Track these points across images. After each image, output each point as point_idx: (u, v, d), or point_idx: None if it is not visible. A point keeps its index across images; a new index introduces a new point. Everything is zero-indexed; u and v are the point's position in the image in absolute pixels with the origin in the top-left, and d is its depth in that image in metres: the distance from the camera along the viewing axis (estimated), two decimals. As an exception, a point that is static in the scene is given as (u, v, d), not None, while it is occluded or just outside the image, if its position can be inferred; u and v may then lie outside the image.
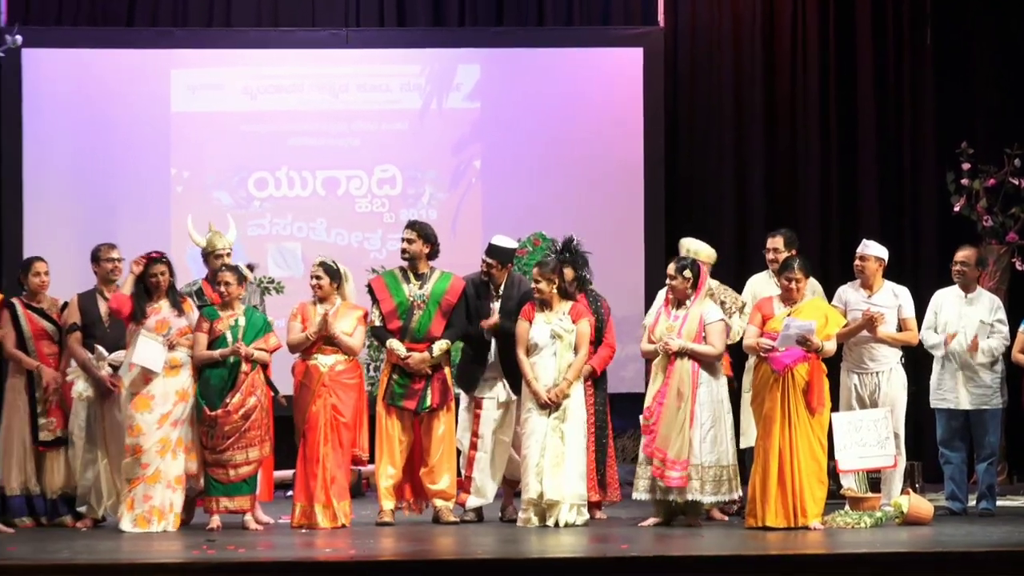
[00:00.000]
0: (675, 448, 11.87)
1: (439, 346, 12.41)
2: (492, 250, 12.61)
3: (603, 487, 12.59)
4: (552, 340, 12.10)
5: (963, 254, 13.12)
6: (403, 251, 12.55)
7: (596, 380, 12.55)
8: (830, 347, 11.92)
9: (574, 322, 12.14)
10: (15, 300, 12.61)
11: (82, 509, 12.51)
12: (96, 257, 12.76)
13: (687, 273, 12.11)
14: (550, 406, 11.98)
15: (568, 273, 12.42)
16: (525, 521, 12.06)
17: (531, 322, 12.15)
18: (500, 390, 12.53)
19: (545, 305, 12.15)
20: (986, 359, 12.84)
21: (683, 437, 11.89)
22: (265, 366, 12.36)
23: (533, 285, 12.19)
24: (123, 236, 13.73)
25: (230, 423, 12.01)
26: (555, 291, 12.14)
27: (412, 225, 12.68)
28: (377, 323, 12.49)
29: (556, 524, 11.92)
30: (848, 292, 12.87)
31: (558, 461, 11.98)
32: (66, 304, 12.61)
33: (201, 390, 12.08)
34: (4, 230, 15.80)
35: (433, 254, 12.61)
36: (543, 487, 11.95)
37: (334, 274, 12.37)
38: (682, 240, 13.09)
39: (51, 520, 12.47)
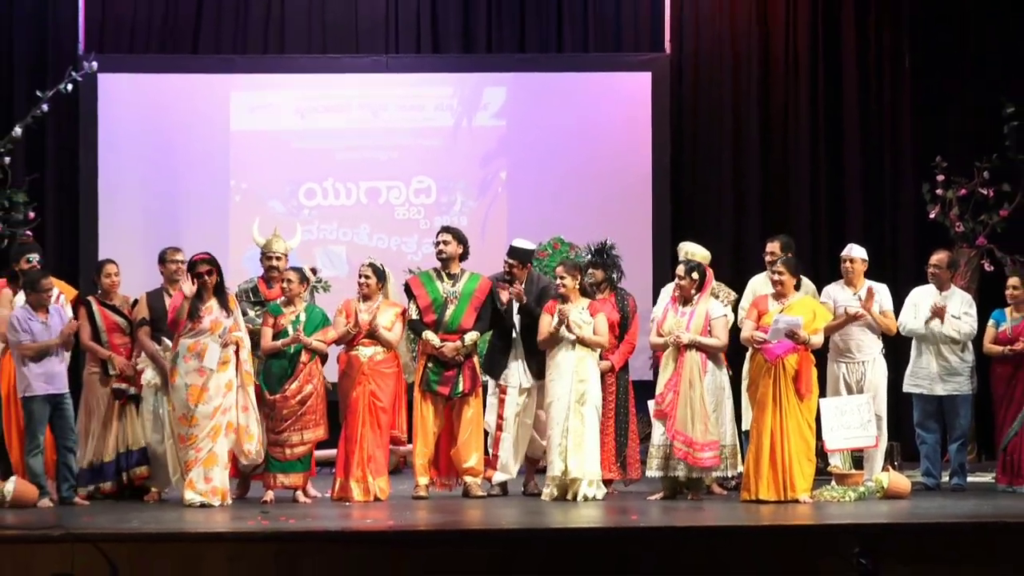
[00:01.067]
0: (699, 431, 11.91)
1: (470, 337, 12.47)
2: (513, 251, 12.73)
3: (624, 466, 12.57)
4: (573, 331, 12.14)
5: (936, 257, 13.18)
6: (439, 252, 12.62)
7: (617, 371, 12.55)
8: (817, 340, 11.96)
9: (592, 315, 12.18)
10: (90, 298, 12.67)
11: (152, 483, 12.55)
12: (162, 259, 12.80)
13: (695, 275, 12.20)
14: (564, 321, 12.01)
15: (598, 274, 12.49)
16: (549, 496, 12.09)
17: (552, 315, 12.18)
18: (522, 376, 12.57)
19: (566, 300, 12.19)
20: (959, 335, 12.84)
21: (703, 420, 11.92)
22: (325, 357, 12.41)
23: (558, 280, 12.24)
24: (187, 241, 13.72)
25: (288, 407, 12.07)
26: (576, 287, 12.20)
27: (447, 229, 12.81)
28: (414, 316, 12.53)
29: (575, 498, 11.94)
30: (835, 290, 12.91)
31: (579, 442, 12.02)
32: (136, 301, 12.65)
33: (263, 376, 12.16)
34: (81, 236, 15.81)
35: (464, 255, 12.68)
36: (567, 465, 11.99)
37: (380, 274, 12.45)
38: (681, 244, 13.15)
39: (130, 475, 12.48)
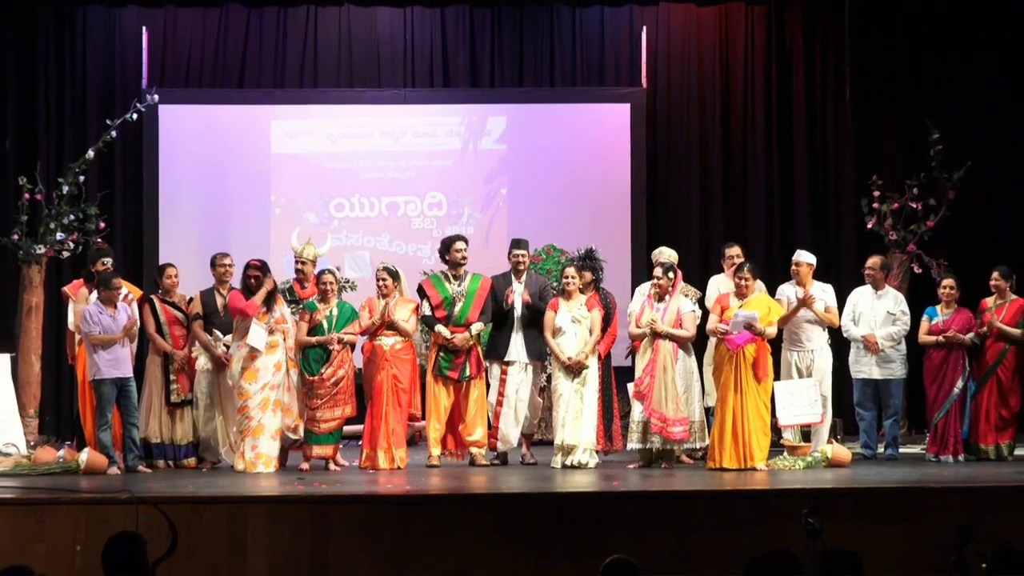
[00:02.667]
0: (671, 409, 11.92)
1: (475, 328, 12.54)
2: (518, 243, 12.92)
3: (610, 439, 12.58)
4: (573, 324, 12.26)
5: (871, 261, 13.30)
6: (463, 257, 12.75)
7: (602, 359, 12.54)
8: (771, 331, 12.01)
9: (589, 311, 12.25)
10: (153, 297, 12.70)
11: (205, 455, 12.55)
12: (213, 263, 12.84)
13: (671, 274, 12.27)
14: (573, 368, 12.08)
15: (586, 276, 12.49)
16: (555, 462, 12.17)
17: (556, 311, 12.27)
18: (521, 353, 12.62)
19: (568, 296, 12.26)
20: (890, 343, 12.87)
21: (675, 400, 11.92)
22: (354, 346, 12.40)
23: (568, 279, 12.37)
24: (234, 247, 13.76)
25: (324, 388, 12.14)
26: (580, 286, 12.27)
27: (462, 238, 12.97)
28: (427, 312, 12.55)
29: (570, 464, 12.01)
30: (787, 289, 12.91)
31: (577, 415, 12.12)
32: (192, 299, 12.67)
33: (303, 361, 12.16)
34: (144, 243, 15.79)
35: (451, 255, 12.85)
36: (565, 434, 12.07)
37: (394, 275, 12.52)
38: (658, 249, 13.18)
39: (177, 463, 12.52)
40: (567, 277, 12.40)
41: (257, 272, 12.15)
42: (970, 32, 16.29)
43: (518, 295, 12.67)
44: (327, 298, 12.29)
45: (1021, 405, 12.86)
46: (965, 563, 7.77)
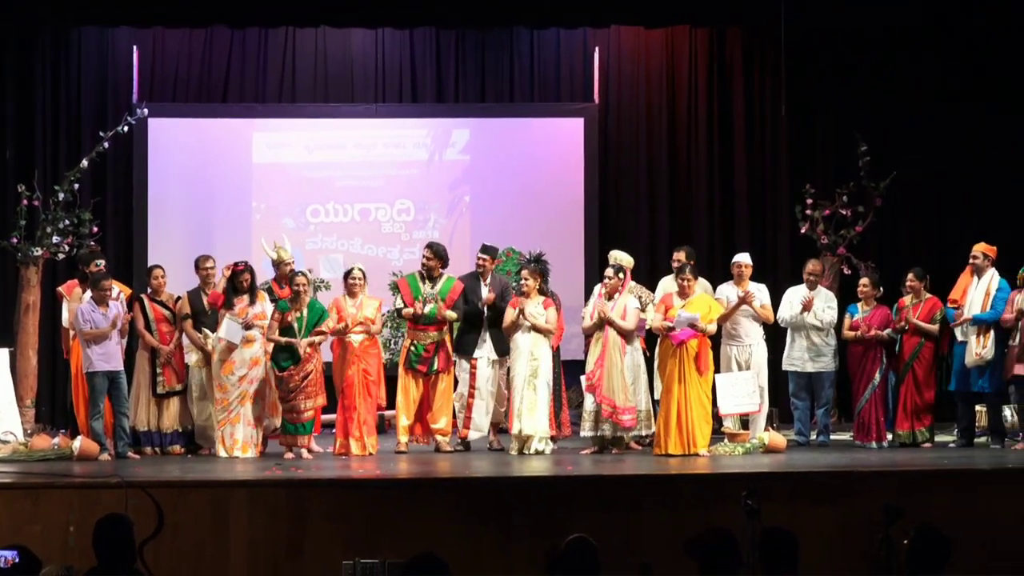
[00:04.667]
0: (620, 398, 11.91)
1: (448, 315, 12.51)
2: (484, 248, 12.92)
3: (559, 426, 12.57)
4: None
5: (813, 267, 13.36)
6: (424, 265, 12.72)
7: (552, 352, 12.52)
8: (711, 328, 12.04)
9: (545, 309, 12.23)
10: (143, 296, 12.68)
11: (202, 442, 12.57)
12: (197, 265, 12.82)
13: (620, 275, 12.26)
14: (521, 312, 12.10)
15: (538, 278, 12.47)
16: (512, 449, 12.14)
17: (516, 308, 12.24)
18: (490, 350, 12.60)
19: (526, 296, 12.22)
20: (821, 324, 12.88)
21: (624, 390, 11.91)
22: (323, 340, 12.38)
23: (522, 281, 12.35)
24: (218, 250, 13.69)
25: (294, 382, 11.99)
26: (536, 287, 12.26)
27: (430, 246, 12.90)
28: (401, 306, 12.60)
29: (526, 451, 11.98)
30: (726, 289, 12.94)
31: (532, 406, 12.05)
32: (180, 298, 12.64)
33: (274, 357, 12.09)
34: (135, 246, 15.72)
35: (444, 264, 12.73)
36: (522, 424, 12.00)
37: (365, 275, 12.53)
38: (612, 252, 13.15)
39: (164, 450, 12.46)
40: (523, 279, 12.40)
41: (247, 274, 12.23)
42: (895, 52, 16.36)
43: (484, 296, 12.65)
44: (299, 298, 12.22)
45: (936, 396, 12.89)
46: (890, 541, 7.79)
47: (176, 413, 12.53)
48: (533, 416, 12.05)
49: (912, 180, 16.14)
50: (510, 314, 12.25)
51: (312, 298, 12.47)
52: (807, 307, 12.75)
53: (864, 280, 13.11)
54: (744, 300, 12.58)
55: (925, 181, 16.38)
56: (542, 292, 12.37)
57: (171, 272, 13.07)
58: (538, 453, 11.96)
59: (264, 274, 13.56)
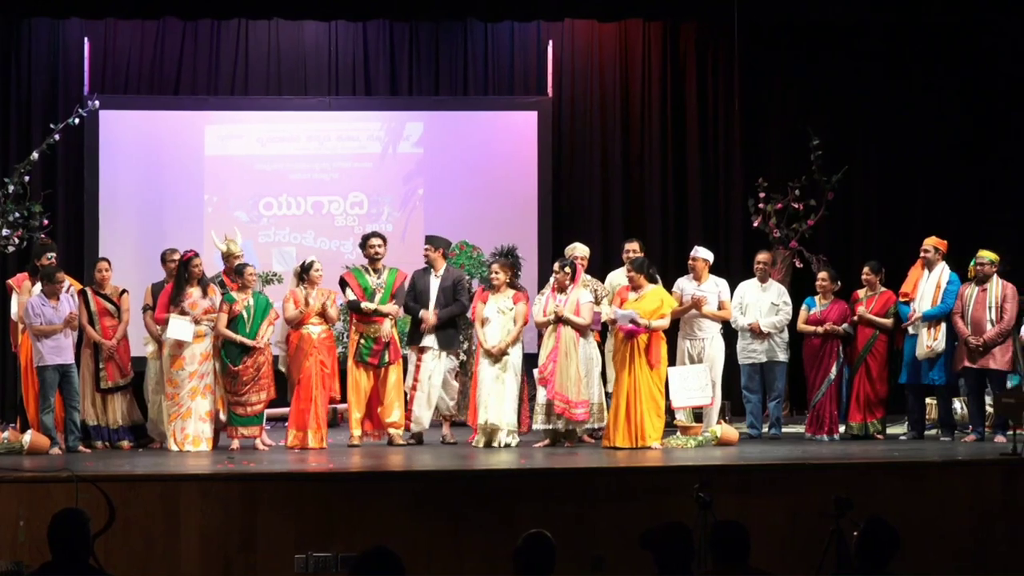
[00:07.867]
0: (573, 392, 11.90)
1: (390, 308, 12.47)
2: (429, 239, 12.95)
3: (527, 418, 12.60)
4: (498, 314, 12.21)
5: (763, 256, 13.39)
6: (376, 253, 12.62)
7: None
8: (662, 323, 12.00)
9: (515, 303, 12.23)
10: (87, 288, 12.58)
11: (154, 435, 12.52)
12: (163, 259, 12.82)
13: (567, 269, 12.23)
14: (494, 355, 12.05)
15: (507, 270, 12.44)
16: (478, 442, 12.13)
17: (484, 303, 12.27)
18: (436, 343, 12.56)
19: (496, 290, 12.22)
20: (773, 330, 12.98)
21: (577, 384, 11.92)
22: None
23: (492, 275, 12.31)
24: (169, 243, 13.51)
25: (247, 375, 11.97)
26: (507, 280, 12.26)
27: (378, 234, 12.81)
28: (351, 299, 12.51)
29: (496, 445, 12.00)
30: (684, 283, 12.97)
31: (500, 400, 12.05)
32: (124, 291, 12.59)
33: (226, 351, 12.03)
34: (86, 239, 15.61)
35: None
36: (488, 415, 12.00)
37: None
38: (571, 245, 13.12)
39: (114, 444, 12.39)
40: (494, 273, 12.34)
41: (199, 260, 12.23)
42: (847, 48, 16.45)
43: (434, 290, 12.61)
44: (246, 290, 12.20)
45: (888, 389, 12.95)
46: (840, 532, 7.85)
47: (122, 408, 12.45)
48: (500, 408, 12.04)
49: (864, 174, 16.25)
50: (478, 308, 12.27)
51: (256, 291, 12.41)
52: (696, 305, 12.69)
53: (823, 274, 13.14)
54: (694, 305, 12.59)
55: (876, 175, 16.52)
56: (512, 286, 12.36)
57: (122, 265, 13.04)
58: (506, 447, 11.96)
59: (214, 267, 13.50)
